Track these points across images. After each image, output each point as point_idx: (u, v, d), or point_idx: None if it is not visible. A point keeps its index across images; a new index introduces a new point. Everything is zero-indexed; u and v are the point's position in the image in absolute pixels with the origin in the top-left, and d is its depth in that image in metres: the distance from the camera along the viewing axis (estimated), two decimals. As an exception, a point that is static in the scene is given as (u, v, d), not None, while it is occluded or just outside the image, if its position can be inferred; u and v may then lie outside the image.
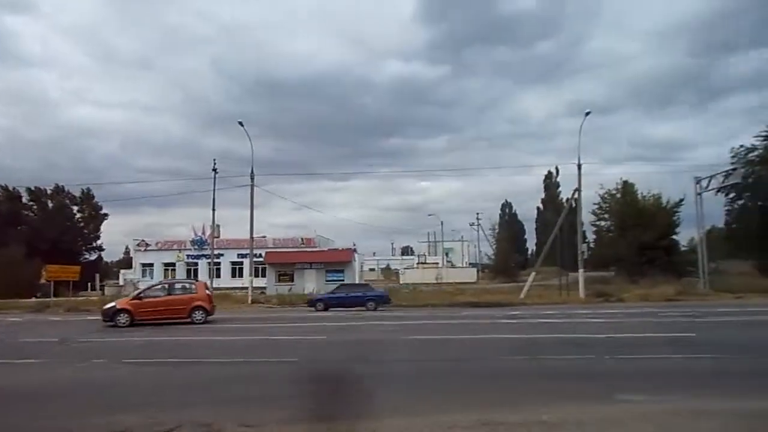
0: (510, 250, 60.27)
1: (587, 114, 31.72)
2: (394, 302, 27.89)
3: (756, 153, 44.63)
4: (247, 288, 34.63)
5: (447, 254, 79.86)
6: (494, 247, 61.57)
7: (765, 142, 44.89)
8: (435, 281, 51.86)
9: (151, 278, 49.56)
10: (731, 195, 45.39)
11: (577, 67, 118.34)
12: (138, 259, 57.57)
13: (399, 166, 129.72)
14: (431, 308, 26.55)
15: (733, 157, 44.75)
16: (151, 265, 56.50)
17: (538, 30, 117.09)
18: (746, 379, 8.56)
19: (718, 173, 30.90)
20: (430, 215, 77.66)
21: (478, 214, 75.87)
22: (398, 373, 9.61)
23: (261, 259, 42.70)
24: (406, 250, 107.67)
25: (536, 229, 76.60)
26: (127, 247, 70.02)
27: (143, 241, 57.88)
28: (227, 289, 41.17)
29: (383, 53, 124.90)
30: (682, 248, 40.36)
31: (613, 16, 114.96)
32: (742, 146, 46.16)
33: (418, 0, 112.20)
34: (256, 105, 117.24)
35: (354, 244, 53.46)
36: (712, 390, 7.72)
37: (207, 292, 21.41)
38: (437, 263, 70.51)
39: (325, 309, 26.76)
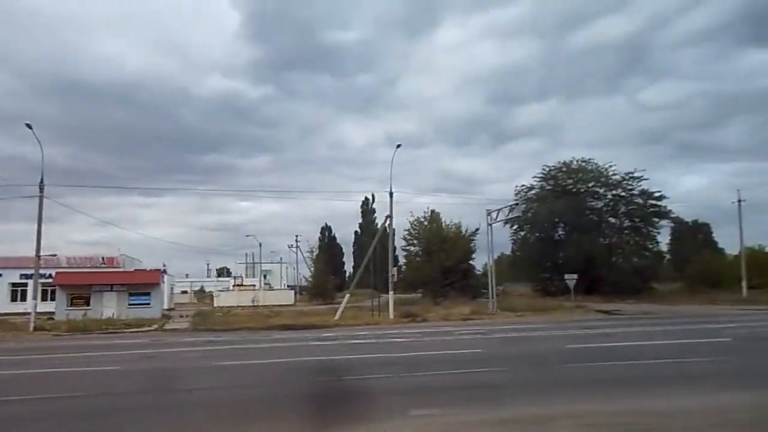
0: (327, 273, 61.48)
1: (398, 146, 34.14)
2: (207, 326, 26.59)
3: (534, 191, 52.74)
4: (30, 313, 30.12)
5: (265, 276, 78.45)
6: (312, 269, 62.30)
7: (541, 183, 53.29)
8: (251, 304, 50.63)
9: None
10: (515, 227, 52.79)
11: (393, 101, 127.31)
12: None
13: (218, 184, 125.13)
14: (245, 332, 25.90)
15: (516, 194, 52.34)
16: None
17: (359, 63, 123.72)
18: (521, 389, 9.89)
19: (503, 207, 35.37)
20: (248, 236, 75.77)
21: (297, 236, 76.24)
22: (196, 403, 9.30)
23: (52, 281, 37.61)
24: (223, 272, 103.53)
25: (353, 252, 79.42)
26: None
27: None
28: (5, 314, 35.40)
29: (204, 66, 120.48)
30: (477, 272, 45.22)
31: (422, 60, 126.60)
32: (523, 185, 54.32)
33: (243, 17, 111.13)
34: (50, 106, 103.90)
35: (164, 265, 49.79)
36: (495, 400, 8.78)
37: None
38: (254, 285, 68.88)
39: None
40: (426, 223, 44.08)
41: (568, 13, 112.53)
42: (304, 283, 71.40)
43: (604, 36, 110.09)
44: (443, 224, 43.91)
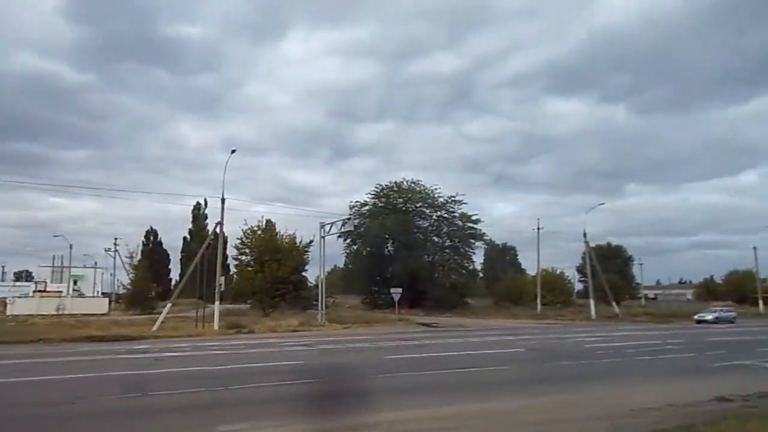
0: (149, 280, 57.06)
1: (233, 152, 33.12)
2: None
3: (367, 208, 54.91)
4: None
5: (75, 282, 70.29)
6: (131, 275, 57.36)
7: (374, 200, 55.69)
8: (56, 312, 44.98)
9: None
10: (348, 240, 54.36)
11: (235, 105, 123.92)
12: None
13: (25, 176, 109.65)
14: (42, 344, 22.98)
15: (351, 208, 54.05)
16: None
17: (200, 61, 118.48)
18: (335, 400, 10.18)
19: (337, 221, 36.27)
20: (56, 236, 67.28)
21: (116, 239, 69.83)
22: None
23: None
24: (22, 276, 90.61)
25: (181, 259, 75.06)
26: None
27: None
28: None
29: (13, 41, 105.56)
30: (310, 284, 45.44)
31: (267, 68, 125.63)
32: (357, 201, 56.30)
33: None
34: None
35: (-59, 266, 42.03)
36: (306, 413, 8.92)
37: None
38: (61, 292, 61.32)
39: None
40: (260, 232, 43.17)
41: (407, 42, 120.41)
42: (122, 290, 65.45)
43: (437, 69, 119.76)
44: (278, 234, 43.37)
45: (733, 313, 45.78)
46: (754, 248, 67.93)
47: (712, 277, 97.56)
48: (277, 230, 43.60)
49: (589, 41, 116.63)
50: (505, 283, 65.04)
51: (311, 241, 42.10)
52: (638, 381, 12.84)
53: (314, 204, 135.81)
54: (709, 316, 42.68)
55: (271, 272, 39.91)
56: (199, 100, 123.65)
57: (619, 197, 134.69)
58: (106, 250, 71.70)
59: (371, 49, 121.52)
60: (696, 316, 43.61)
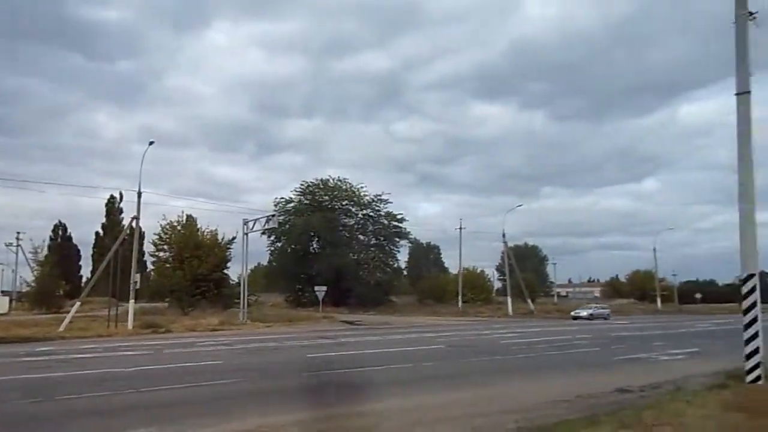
0: (57, 277, 53.43)
1: (150, 143, 31.89)
2: None
3: (292, 204, 54.31)
4: None
5: (-29, 279, 64.70)
6: (36, 272, 53.43)
7: (299, 197, 55.18)
8: (-55, 313, 41.18)
9: None
10: (272, 237, 53.53)
11: (155, 95, 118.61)
12: None
13: None
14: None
15: (276, 205, 53.25)
16: None
17: (117, 48, 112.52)
18: (249, 399, 9.98)
19: (261, 217, 35.62)
20: (-50, 229, 61.71)
21: (18, 233, 64.95)
22: None
23: None
24: None
25: (93, 255, 70.91)
26: None
27: None
28: None
29: None
30: (232, 282, 44.29)
31: (191, 58, 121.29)
32: (282, 198, 55.59)
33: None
34: None
35: None
36: (218, 413, 8.67)
37: None
38: (-47, 290, 56.22)
39: None
40: (179, 227, 41.51)
41: (336, 39, 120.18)
42: (26, 288, 60.84)
43: (367, 67, 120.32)
44: (199, 230, 41.87)
45: (607, 311, 49.25)
46: (654, 250, 73.59)
47: (617, 276, 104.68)
48: (199, 226, 42.16)
49: (512, 50, 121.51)
50: (428, 281, 66.46)
51: (234, 238, 41.14)
52: (550, 375, 13.49)
53: (238, 200, 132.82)
54: (584, 313, 45.89)
55: (191, 269, 38.58)
56: (116, 88, 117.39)
57: (536, 199, 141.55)
58: (7, 245, 66.50)
59: (299, 43, 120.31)
60: (572, 313, 46.57)
